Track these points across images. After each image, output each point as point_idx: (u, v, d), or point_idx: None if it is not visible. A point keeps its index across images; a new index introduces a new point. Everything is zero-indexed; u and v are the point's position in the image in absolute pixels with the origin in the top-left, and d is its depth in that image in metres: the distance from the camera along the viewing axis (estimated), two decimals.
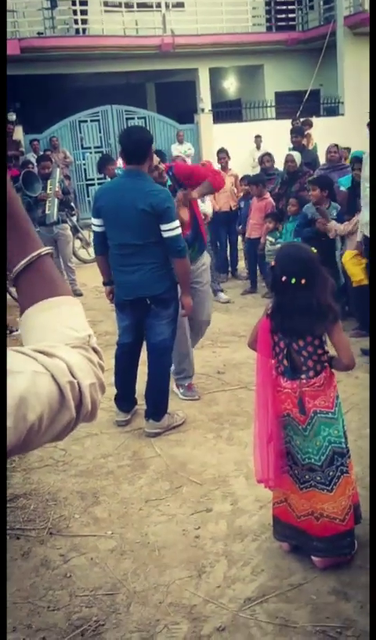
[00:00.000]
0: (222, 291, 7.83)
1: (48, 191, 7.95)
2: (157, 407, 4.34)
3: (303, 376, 2.82)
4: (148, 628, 2.61)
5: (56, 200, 7.99)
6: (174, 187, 4.42)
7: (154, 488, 3.68)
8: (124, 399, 4.53)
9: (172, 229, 3.99)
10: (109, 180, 6.04)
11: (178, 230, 4.03)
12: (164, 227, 3.98)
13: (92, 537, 3.25)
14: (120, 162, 6.79)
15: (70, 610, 2.74)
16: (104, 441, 4.30)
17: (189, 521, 3.32)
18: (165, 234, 4.00)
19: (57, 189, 8.01)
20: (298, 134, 9.24)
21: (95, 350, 1.01)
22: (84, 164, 14.38)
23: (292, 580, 2.82)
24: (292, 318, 2.79)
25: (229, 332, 6.59)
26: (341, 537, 2.83)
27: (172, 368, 4.75)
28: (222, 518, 3.32)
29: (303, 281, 2.72)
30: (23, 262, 1.01)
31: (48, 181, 8.00)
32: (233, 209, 8.70)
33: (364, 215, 5.35)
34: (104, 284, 4.63)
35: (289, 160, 7.80)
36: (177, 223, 4.03)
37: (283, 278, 2.74)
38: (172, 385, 4.80)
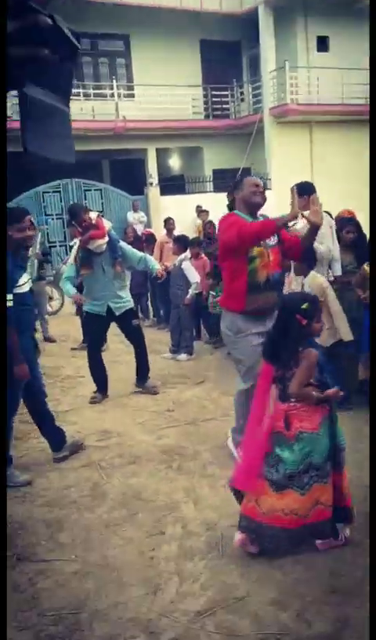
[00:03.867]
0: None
1: (30, 253, 7.91)
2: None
3: (292, 400, 2.96)
4: None
5: (36, 261, 7.99)
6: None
7: (113, 515, 3.63)
8: None
9: None
10: (74, 241, 5.92)
11: None
12: None
13: (57, 561, 3.17)
14: None
15: (38, 629, 2.65)
16: (67, 474, 4.23)
17: (145, 544, 3.28)
18: None
19: (38, 251, 8.01)
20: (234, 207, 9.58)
21: None
22: (47, 229, 14.42)
23: (236, 594, 2.81)
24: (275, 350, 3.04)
25: (177, 374, 6.62)
26: (307, 528, 2.99)
27: (236, 427, 4.19)
28: (173, 540, 3.29)
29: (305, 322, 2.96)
30: None
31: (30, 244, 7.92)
32: None
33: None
34: None
35: None
36: None
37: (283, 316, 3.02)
38: (229, 442, 4.31)
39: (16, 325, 3.84)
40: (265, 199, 4.04)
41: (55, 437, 4.45)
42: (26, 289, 4.01)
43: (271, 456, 3.00)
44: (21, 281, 3.96)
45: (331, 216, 6.12)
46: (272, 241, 3.94)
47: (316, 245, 4.73)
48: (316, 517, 3.00)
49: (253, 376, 3.93)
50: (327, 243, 5.10)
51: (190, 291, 7.18)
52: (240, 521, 3.11)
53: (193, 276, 7.24)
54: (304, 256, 4.29)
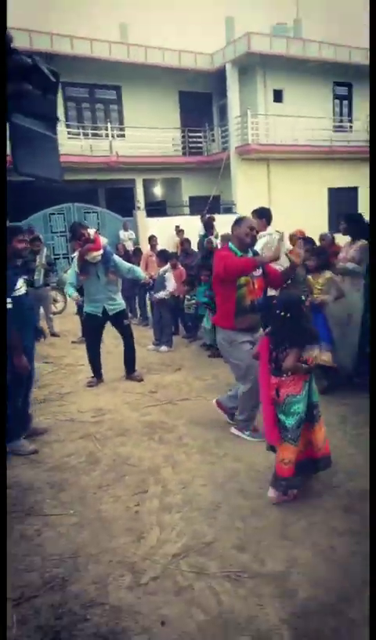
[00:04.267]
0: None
1: (38, 263, 7.89)
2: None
3: (284, 375, 3.09)
4: (101, 580, 2.54)
5: (43, 270, 7.96)
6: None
7: (105, 477, 3.61)
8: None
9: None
10: (75, 253, 5.80)
11: None
12: None
13: (59, 516, 3.14)
14: None
15: (42, 570, 2.63)
16: (67, 444, 4.19)
17: (131, 501, 3.27)
18: None
19: (44, 262, 7.99)
20: (209, 227, 9.86)
21: None
22: (52, 243, 14.27)
23: (206, 540, 2.82)
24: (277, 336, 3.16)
25: (159, 362, 6.60)
26: (295, 474, 3.11)
27: (241, 416, 4.14)
28: (155, 497, 3.29)
29: (287, 315, 3.07)
30: None
31: (38, 256, 7.93)
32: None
33: None
34: None
35: (209, 242, 8.12)
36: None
37: (277, 311, 3.11)
38: (233, 429, 4.19)
39: (16, 323, 3.78)
40: (255, 240, 4.06)
41: (18, 425, 4.04)
42: (23, 292, 3.97)
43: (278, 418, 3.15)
44: (18, 285, 3.92)
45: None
46: (257, 272, 3.95)
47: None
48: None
49: (251, 376, 3.91)
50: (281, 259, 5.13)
51: (161, 293, 7.13)
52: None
53: (170, 285, 7.23)
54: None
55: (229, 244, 4.02)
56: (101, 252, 5.49)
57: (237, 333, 3.97)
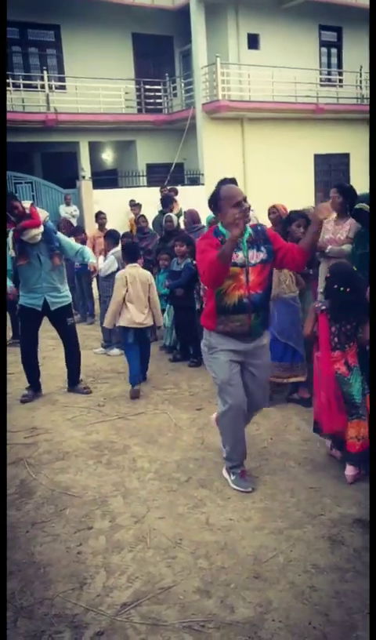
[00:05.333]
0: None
1: None
2: None
3: (347, 347, 3.74)
4: None
5: None
6: None
7: (40, 512, 3.59)
8: None
9: None
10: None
11: None
12: None
13: None
14: None
15: None
16: None
17: (72, 539, 3.27)
18: None
19: None
20: (168, 203, 9.78)
21: None
22: None
23: (162, 584, 2.84)
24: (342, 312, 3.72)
25: (109, 369, 6.60)
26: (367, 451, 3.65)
27: (224, 452, 3.86)
28: (101, 534, 3.30)
29: (347, 290, 3.61)
30: None
31: None
32: None
33: None
34: None
35: (168, 220, 8.00)
36: None
37: (335, 286, 3.64)
38: (223, 470, 3.94)
39: None
40: (246, 212, 3.49)
41: None
42: None
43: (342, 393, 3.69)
44: None
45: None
46: (256, 258, 3.52)
47: None
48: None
49: (228, 396, 3.62)
50: None
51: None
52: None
53: (109, 265, 7.14)
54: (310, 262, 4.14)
55: (219, 225, 3.64)
56: (41, 229, 5.42)
57: (220, 337, 3.65)
